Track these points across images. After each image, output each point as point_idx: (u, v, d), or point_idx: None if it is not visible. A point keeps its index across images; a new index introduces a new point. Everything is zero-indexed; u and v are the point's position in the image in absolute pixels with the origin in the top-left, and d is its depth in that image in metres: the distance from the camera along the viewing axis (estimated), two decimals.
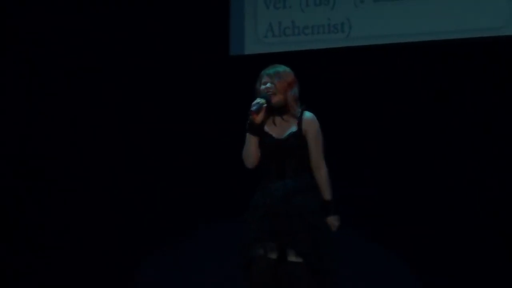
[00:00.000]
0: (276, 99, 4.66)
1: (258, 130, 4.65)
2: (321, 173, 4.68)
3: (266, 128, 4.72)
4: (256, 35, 7.10)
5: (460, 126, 6.71)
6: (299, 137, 4.66)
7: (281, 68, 4.76)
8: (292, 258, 4.62)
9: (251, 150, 4.69)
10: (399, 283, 6.74)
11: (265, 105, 4.58)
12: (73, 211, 7.51)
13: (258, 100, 4.59)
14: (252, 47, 7.07)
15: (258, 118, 4.57)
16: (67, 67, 7.69)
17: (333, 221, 4.70)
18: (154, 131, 7.42)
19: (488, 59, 6.63)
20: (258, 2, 7.08)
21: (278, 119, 4.68)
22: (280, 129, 4.69)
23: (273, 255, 4.63)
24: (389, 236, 6.70)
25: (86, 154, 7.58)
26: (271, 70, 4.73)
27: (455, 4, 6.69)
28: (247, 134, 4.66)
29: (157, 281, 7.23)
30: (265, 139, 4.70)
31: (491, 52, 6.61)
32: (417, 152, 6.74)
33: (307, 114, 4.72)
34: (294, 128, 4.67)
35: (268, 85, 4.67)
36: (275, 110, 4.69)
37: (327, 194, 4.66)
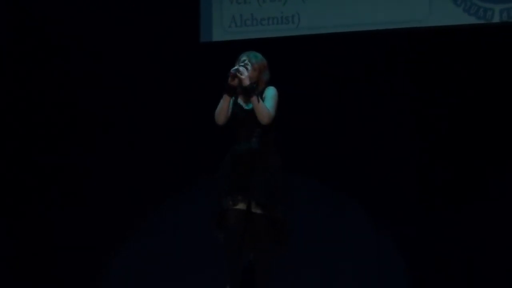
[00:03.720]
0: (251, 75, 5.02)
1: (232, 92, 4.99)
2: (268, 113, 5.00)
3: (239, 101, 5.12)
4: (222, 25, 7.53)
5: (389, 101, 7.16)
6: None
7: (258, 54, 5.15)
8: (255, 209, 5.00)
9: (223, 108, 5.02)
10: (354, 229, 7.16)
11: (239, 73, 4.91)
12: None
13: (236, 67, 4.99)
14: (218, 35, 7.52)
15: (234, 82, 4.94)
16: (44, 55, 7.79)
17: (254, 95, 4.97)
18: (132, 108, 7.64)
19: (411, 45, 7.15)
20: None
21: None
22: (249, 103, 5.06)
23: (242, 206, 4.99)
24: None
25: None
26: (250, 52, 5.13)
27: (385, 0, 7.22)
28: (223, 95, 5.01)
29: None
30: (236, 110, 5.09)
31: (413, 40, 7.13)
32: (347, 118, 7.20)
33: (270, 87, 5.12)
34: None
35: (246, 61, 5.06)
36: (246, 90, 4.99)
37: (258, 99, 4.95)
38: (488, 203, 6.93)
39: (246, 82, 4.96)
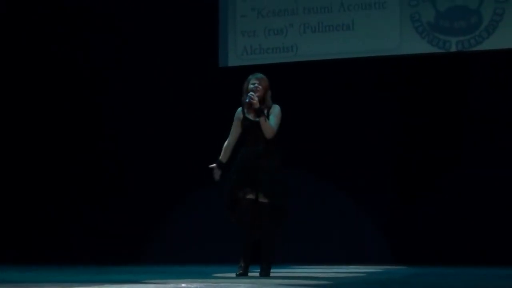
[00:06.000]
0: (259, 94, 5.52)
1: (249, 108, 5.47)
2: (272, 130, 5.49)
3: (247, 115, 5.67)
4: (236, 53, 8.35)
5: (369, 111, 7.95)
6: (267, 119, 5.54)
7: (262, 75, 5.66)
8: (261, 199, 5.50)
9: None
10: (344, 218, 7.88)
11: (253, 99, 5.41)
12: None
13: (250, 95, 5.53)
14: (233, 61, 8.32)
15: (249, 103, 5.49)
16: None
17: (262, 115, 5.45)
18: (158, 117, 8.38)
19: (385, 69, 7.99)
20: (237, 32, 8.32)
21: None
22: (256, 117, 5.55)
23: (251, 197, 5.48)
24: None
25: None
26: (257, 75, 5.64)
27: (363, 32, 8.04)
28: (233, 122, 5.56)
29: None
30: (246, 122, 5.63)
31: (387, 65, 7.97)
32: (335, 127, 8.11)
33: (275, 105, 5.64)
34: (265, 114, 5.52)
35: (256, 84, 5.58)
36: (257, 111, 5.48)
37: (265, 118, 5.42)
38: (446, 192, 7.89)
39: (257, 105, 5.55)
